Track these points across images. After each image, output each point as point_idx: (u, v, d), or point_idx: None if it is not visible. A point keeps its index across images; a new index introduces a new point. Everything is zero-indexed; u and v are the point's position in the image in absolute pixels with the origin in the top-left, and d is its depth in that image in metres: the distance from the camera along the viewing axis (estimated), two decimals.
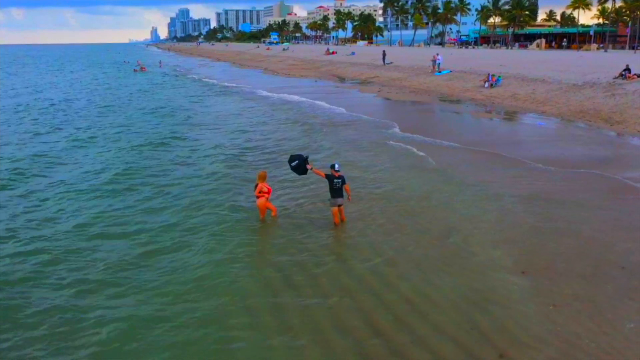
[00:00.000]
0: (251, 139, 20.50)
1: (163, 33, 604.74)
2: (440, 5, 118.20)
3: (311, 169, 11.12)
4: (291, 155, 11.69)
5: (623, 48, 76.42)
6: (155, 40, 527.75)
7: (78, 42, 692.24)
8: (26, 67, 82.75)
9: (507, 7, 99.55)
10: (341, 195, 10.79)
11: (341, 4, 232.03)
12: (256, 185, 11.24)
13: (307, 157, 11.36)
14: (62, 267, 9.00)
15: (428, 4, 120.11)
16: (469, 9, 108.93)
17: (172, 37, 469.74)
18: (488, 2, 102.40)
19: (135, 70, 65.67)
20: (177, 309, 7.62)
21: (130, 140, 20.61)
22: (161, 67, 74.80)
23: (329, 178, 10.72)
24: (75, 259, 9.38)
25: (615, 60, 42.79)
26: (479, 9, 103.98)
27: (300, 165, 11.16)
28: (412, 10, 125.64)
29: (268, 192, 11.19)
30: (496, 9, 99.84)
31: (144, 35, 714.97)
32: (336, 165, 10.86)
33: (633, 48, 71.34)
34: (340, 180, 10.70)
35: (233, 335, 6.99)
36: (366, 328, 7.13)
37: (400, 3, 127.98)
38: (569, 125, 22.51)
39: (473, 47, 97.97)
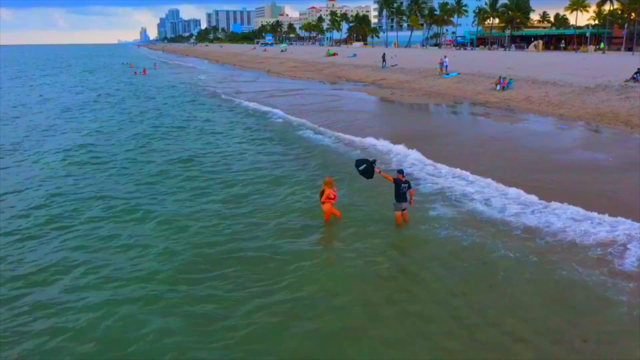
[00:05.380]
0: None
1: (152, 34, 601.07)
2: (436, 6, 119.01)
3: (379, 172, 11.49)
4: (357, 160, 12.04)
5: (619, 50, 77.52)
6: (145, 41, 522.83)
7: (66, 43, 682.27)
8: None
9: (503, 8, 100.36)
10: (406, 200, 11.16)
11: (333, 5, 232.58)
12: (322, 191, 11.55)
13: (374, 161, 11.69)
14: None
15: (424, 5, 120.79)
16: (466, 11, 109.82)
17: (162, 38, 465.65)
18: (485, 4, 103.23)
19: (135, 73, 65.52)
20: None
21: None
22: (156, 69, 75.80)
23: (397, 182, 11.04)
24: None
25: (617, 63, 43.60)
26: (476, 10, 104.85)
27: (367, 169, 11.50)
28: (408, 12, 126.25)
29: (334, 198, 11.53)
30: (494, 11, 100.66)
31: (133, 35, 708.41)
32: (404, 171, 11.24)
33: (630, 50, 72.41)
34: (406, 185, 11.07)
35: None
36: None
37: (396, 4, 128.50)
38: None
39: (472, 49, 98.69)
